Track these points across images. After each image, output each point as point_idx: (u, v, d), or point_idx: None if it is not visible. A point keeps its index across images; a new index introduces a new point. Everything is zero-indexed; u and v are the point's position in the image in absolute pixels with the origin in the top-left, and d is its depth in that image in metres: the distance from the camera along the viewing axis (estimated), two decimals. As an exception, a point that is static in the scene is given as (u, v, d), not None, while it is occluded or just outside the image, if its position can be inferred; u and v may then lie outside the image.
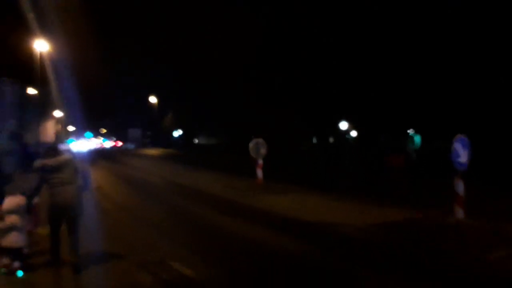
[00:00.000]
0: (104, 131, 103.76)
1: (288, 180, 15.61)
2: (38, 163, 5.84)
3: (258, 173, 14.71)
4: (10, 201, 5.75)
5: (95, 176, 17.43)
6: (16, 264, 5.56)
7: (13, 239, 5.56)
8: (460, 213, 8.24)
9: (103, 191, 13.85)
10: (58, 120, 60.90)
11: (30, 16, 26.04)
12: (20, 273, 5.53)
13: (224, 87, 50.87)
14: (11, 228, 5.59)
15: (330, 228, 8.31)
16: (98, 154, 41.93)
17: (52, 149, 6.14)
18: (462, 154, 8.38)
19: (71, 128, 72.93)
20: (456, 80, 28.78)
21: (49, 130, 57.81)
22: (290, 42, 43.17)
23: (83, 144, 59.79)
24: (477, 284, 5.37)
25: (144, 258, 6.35)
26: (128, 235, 7.92)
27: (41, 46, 30.26)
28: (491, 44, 26.71)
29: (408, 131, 37.80)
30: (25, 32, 29.31)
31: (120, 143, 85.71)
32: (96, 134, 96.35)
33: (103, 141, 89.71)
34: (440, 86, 30.15)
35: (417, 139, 21.49)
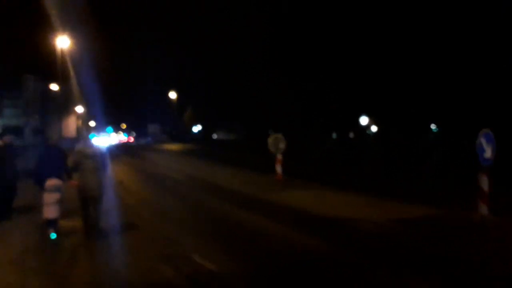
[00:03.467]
0: (125, 126, 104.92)
1: (308, 176, 15.54)
2: (78, 148, 7.40)
3: (277, 168, 14.67)
4: (52, 182, 7.12)
5: (116, 171, 17.68)
6: (51, 230, 7.02)
7: (55, 212, 7.06)
8: (484, 209, 8.07)
9: (125, 186, 14.03)
10: (80, 116, 61.93)
11: (52, 13, 26.47)
12: (53, 235, 7.00)
13: (243, 82, 50.90)
14: (55, 203, 7.05)
15: (350, 223, 8.26)
16: (119, 149, 42.48)
17: (88, 141, 7.81)
18: (487, 149, 8.21)
19: (92, 124, 74.05)
20: (480, 73, 28.15)
21: (70, 125, 58.77)
22: (309, 35, 42.87)
23: (104, 139, 60.61)
24: (504, 281, 5.26)
25: (166, 251, 6.43)
26: (150, 229, 8.02)
27: (62, 42, 30.71)
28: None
29: (431, 126, 37.36)
30: (47, 29, 29.81)
31: (132, 139, 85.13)
32: (117, 129, 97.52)
33: (124, 135, 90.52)
34: (463, 78, 29.54)
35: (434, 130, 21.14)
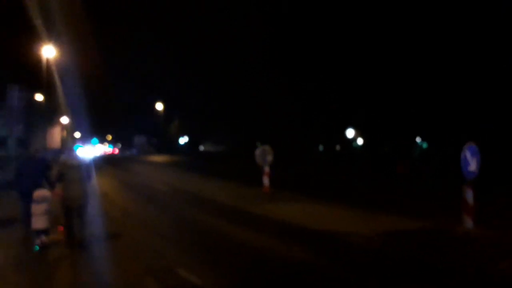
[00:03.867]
0: (110, 137, 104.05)
1: (295, 188, 15.54)
2: (62, 159, 7.65)
3: (264, 180, 14.62)
4: (40, 193, 7.36)
5: (101, 183, 17.45)
6: (43, 239, 7.21)
7: (45, 222, 7.24)
8: (469, 222, 8.14)
9: (110, 198, 13.84)
10: (65, 127, 61.26)
11: (38, 22, 26.26)
12: (36, 248, 7.09)
13: (230, 94, 51.04)
14: (43, 214, 7.24)
15: (338, 237, 8.24)
16: (104, 161, 42.06)
17: (72, 152, 7.95)
18: (471, 162, 8.30)
19: (77, 135, 73.22)
20: (466, 86, 28.62)
21: (55, 136, 58.07)
22: (297, 48, 43.22)
23: (89, 151, 59.84)
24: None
25: (150, 265, 6.33)
26: (135, 242, 7.90)
27: (48, 52, 30.45)
28: (503, 50, 26.55)
29: (416, 139, 37.83)
30: (32, 38, 29.53)
31: (116, 150, 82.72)
32: (102, 140, 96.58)
33: (110, 147, 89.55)
34: (449, 92, 30.01)
35: (424, 146, 21.46)
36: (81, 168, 7.52)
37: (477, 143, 8.45)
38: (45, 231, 7.26)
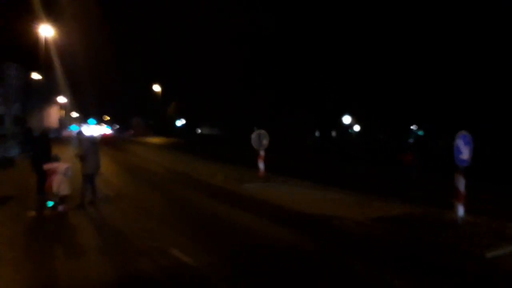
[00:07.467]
0: (107, 118, 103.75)
1: (290, 173, 15.63)
2: (84, 137, 9.96)
3: (259, 164, 14.69)
4: (62, 166, 8.65)
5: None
6: (61, 207, 8.37)
7: (65, 189, 8.47)
8: (460, 209, 8.23)
9: (105, 178, 13.88)
10: (62, 106, 61.02)
11: (37, 1, 26.01)
12: (50, 204, 8.44)
13: (228, 78, 50.73)
14: (65, 182, 8.50)
15: (329, 220, 8.36)
16: (100, 141, 41.97)
17: (92, 131, 10.32)
18: (464, 150, 8.37)
19: (74, 115, 73.02)
20: (460, 76, 28.61)
21: (52, 115, 57.84)
22: (294, 34, 42.80)
23: (86, 131, 59.51)
24: (474, 280, 5.40)
25: (144, 245, 6.43)
26: (129, 223, 7.99)
27: (46, 31, 30.18)
28: (497, 40, 26.49)
29: (412, 127, 37.91)
30: (30, 17, 29.24)
31: (110, 131, 78.42)
32: (100, 121, 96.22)
33: (108, 128, 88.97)
34: (444, 81, 29.99)
35: (420, 134, 21.53)
36: (96, 144, 9.68)
37: (472, 131, 8.52)
38: (65, 198, 8.45)
